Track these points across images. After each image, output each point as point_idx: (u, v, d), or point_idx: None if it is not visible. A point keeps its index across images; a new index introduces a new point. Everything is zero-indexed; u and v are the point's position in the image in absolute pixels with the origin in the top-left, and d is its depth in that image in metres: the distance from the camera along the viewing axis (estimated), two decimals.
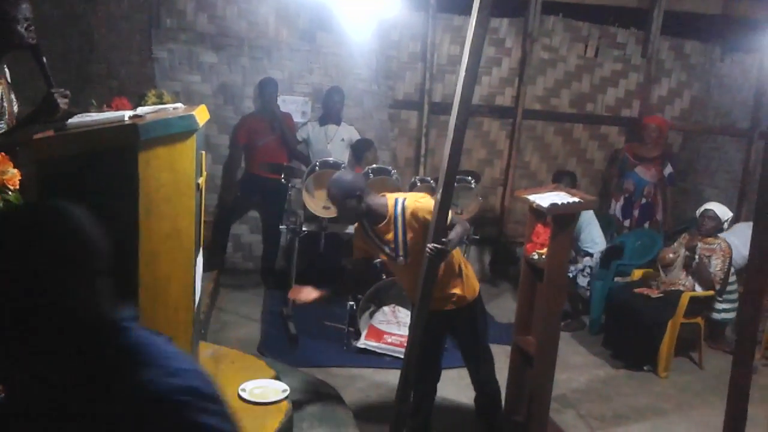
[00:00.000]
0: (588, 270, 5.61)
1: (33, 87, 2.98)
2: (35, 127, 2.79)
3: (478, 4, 2.83)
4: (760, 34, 6.42)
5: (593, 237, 5.74)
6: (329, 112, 6.07)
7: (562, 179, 5.65)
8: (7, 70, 3.08)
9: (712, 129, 7.18)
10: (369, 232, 3.42)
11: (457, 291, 3.47)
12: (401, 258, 3.36)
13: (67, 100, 2.85)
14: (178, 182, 2.61)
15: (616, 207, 6.47)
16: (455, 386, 4.19)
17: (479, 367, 3.64)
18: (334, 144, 6.02)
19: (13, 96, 3.10)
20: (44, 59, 2.87)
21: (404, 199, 3.36)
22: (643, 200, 6.37)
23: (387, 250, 3.39)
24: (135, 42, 5.95)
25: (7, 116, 3.03)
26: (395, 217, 3.33)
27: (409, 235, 3.30)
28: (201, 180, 2.89)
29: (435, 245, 3.05)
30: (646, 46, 6.69)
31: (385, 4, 5.67)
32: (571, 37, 6.70)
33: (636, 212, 6.40)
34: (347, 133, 6.08)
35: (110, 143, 2.46)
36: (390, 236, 3.35)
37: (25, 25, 2.83)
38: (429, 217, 3.15)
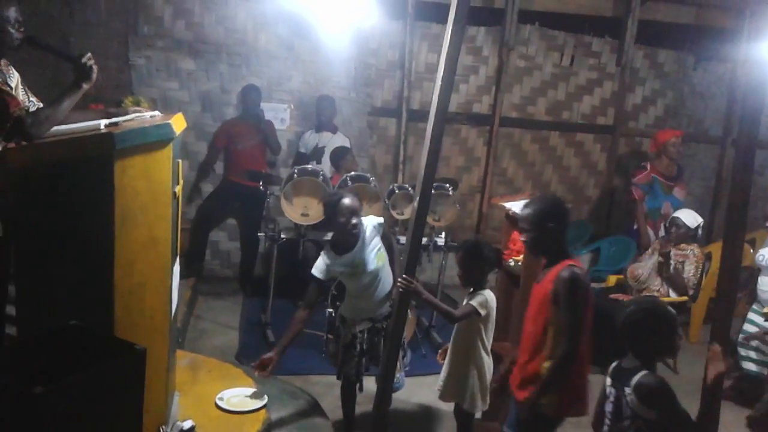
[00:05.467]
0: None
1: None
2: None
3: (453, 16, 2.87)
4: (732, 44, 6.55)
5: None
6: (321, 119, 6.11)
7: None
8: (16, 72, 3.07)
9: (685, 136, 7.28)
10: None
11: None
12: None
13: (94, 62, 2.82)
14: (154, 191, 2.62)
15: (657, 233, 5.92)
16: (432, 392, 4.19)
17: None
18: (326, 152, 6.02)
19: (33, 98, 3.13)
20: (48, 42, 2.95)
21: None
22: None
23: None
24: (112, 48, 5.92)
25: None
26: None
27: None
28: (178, 188, 2.90)
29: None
30: (620, 54, 6.78)
31: (363, 13, 5.69)
32: (546, 45, 6.78)
33: None
34: (340, 142, 6.05)
35: (86, 152, 2.45)
36: None
37: (15, 26, 2.85)
38: None
